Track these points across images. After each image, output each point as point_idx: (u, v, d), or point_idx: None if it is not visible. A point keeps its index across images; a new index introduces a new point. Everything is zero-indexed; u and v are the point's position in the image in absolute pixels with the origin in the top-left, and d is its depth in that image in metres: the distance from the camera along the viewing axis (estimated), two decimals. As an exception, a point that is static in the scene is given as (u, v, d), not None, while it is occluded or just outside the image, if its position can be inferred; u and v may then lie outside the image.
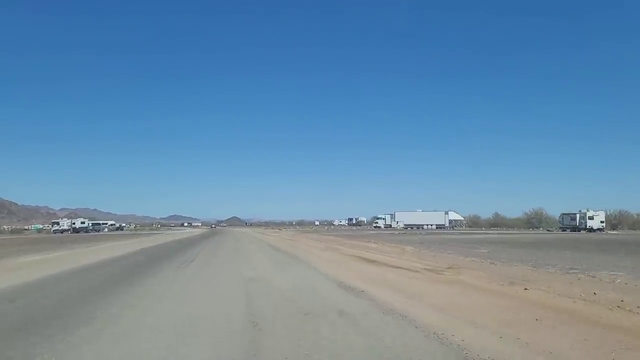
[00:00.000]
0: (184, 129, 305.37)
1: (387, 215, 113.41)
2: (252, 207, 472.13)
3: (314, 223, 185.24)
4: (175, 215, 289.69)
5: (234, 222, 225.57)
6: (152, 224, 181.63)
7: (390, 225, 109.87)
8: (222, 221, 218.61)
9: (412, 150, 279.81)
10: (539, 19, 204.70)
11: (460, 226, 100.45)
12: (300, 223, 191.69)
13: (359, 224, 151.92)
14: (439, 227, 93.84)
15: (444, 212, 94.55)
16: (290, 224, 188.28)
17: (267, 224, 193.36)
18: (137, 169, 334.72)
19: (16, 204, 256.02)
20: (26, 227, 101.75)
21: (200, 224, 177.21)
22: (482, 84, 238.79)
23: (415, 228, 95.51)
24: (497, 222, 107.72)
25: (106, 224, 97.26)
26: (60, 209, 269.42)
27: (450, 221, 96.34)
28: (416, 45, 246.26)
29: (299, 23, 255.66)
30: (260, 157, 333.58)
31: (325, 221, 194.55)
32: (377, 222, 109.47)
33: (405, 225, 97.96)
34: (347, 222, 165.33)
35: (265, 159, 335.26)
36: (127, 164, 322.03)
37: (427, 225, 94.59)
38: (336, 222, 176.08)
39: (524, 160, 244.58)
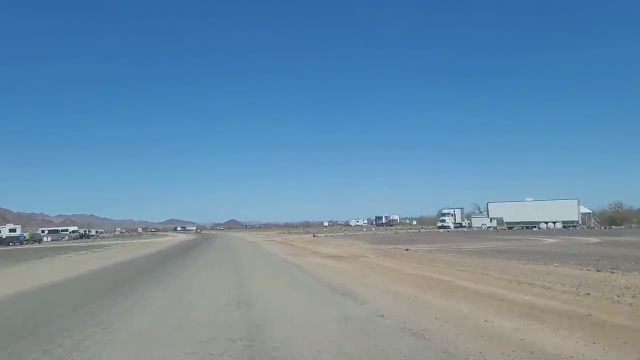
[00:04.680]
0: (182, 133, 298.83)
1: (456, 211, 77.61)
2: (251, 209, 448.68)
3: (323, 224, 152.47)
4: (173, 219, 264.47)
5: (232, 224, 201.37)
6: (137, 229, 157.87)
7: (461, 224, 74.34)
8: (219, 224, 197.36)
9: (416, 151, 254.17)
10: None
11: (588, 222, 63.93)
12: (306, 224, 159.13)
13: (390, 223, 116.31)
14: (566, 225, 58.10)
15: (576, 201, 58.32)
16: (294, 225, 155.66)
17: (267, 226, 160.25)
18: (135, 174, 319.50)
19: (11, 211, 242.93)
20: None
21: (195, 228, 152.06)
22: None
23: (523, 227, 59.84)
24: (618, 216, 72.18)
25: (66, 230, 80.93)
26: (56, 216, 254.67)
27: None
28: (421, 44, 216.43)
29: (301, 25, 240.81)
30: (257, 158, 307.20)
31: (331, 221, 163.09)
32: (444, 220, 73.26)
33: (506, 223, 61.88)
34: (372, 221, 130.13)
35: (262, 160, 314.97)
36: (125, 169, 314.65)
37: (545, 222, 58.68)
38: (353, 223, 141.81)
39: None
